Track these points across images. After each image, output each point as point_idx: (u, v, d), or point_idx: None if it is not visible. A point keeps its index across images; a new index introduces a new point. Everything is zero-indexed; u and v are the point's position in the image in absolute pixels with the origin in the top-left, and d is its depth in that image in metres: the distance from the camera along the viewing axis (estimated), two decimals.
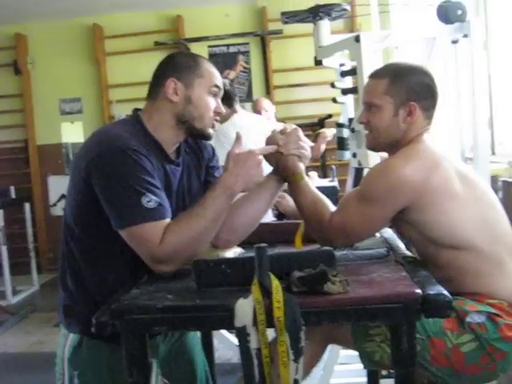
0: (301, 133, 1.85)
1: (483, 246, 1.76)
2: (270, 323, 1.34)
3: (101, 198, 1.60)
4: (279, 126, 2.12)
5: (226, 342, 3.51)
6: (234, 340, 3.42)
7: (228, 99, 3.50)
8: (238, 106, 3.56)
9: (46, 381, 3.64)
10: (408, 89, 1.85)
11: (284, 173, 1.83)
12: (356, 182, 2.87)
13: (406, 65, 1.96)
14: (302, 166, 1.84)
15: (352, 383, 3.03)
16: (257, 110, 4.63)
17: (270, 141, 1.85)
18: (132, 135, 1.65)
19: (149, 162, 1.63)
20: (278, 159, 1.82)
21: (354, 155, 2.83)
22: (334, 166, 4.57)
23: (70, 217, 1.72)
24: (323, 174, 5.73)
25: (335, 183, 4.00)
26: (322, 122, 5.89)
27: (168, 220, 1.60)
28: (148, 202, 1.56)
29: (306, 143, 1.84)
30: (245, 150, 1.74)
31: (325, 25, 3.09)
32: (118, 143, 1.61)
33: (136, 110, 1.79)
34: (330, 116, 5.88)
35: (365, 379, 2.53)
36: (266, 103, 4.79)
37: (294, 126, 1.87)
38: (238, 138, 1.77)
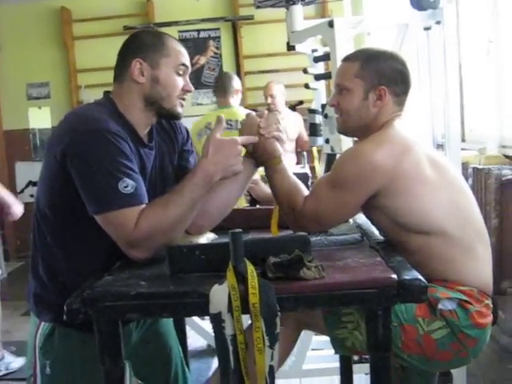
0: (279, 116, 1.83)
1: (454, 231, 1.77)
2: (246, 309, 1.33)
3: (77, 183, 1.56)
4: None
5: (197, 328, 3.49)
6: (206, 326, 3.41)
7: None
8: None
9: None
10: (379, 73, 1.85)
11: (263, 156, 1.82)
12: (328, 168, 2.86)
13: (380, 50, 1.97)
14: (280, 150, 1.82)
15: (324, 368, 3.04)
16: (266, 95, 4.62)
17: (247, 123, 1.83)
18: (108, 117, 1.62)
19: (127, 146, 1.59)
20: (257, 141, 1.80)
21: (327, 141, 2.82)
22: (305, 153, 4.57)
23: (43, 203, 1.67)
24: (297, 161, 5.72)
25: (306, 169, 4.00)
26: (293, 109, 5.87)
27: (144, 205, 1.57)
28: (125, 187, 1.53)
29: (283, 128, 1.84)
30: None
31: (297, 10, 3.06)
32: (96, 126, 1.57)
33: (106, 93, 1.75)
34: (301, 102, 5.85)
35: (337, 364, 2.54)
36: (275, 89, 4.74)
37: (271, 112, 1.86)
38: (220, 121, 1.73)
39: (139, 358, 1.86)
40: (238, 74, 6.31)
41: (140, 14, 6.44)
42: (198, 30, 6.41)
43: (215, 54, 6.46)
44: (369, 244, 1.76)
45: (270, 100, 4.59)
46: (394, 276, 1.37)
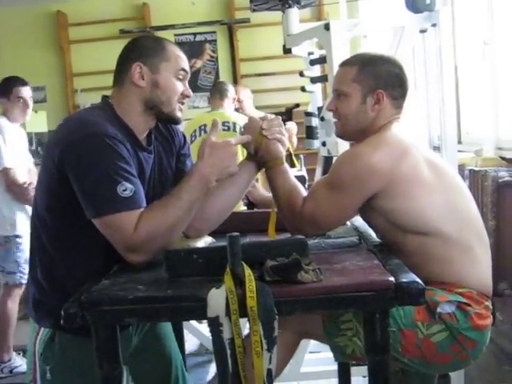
0: (281, 121, 1.85)
1: (451, 232, 1.77)
2: (243, 313, 1.33)
3: (75, 187, 1.56)
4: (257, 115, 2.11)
5: (194, 331, 3.49)
6: (203, 329, 3.41)
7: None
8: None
9: (11, 374, 3.62)
10: (376, 77, 1.86)
11: (265, 157, 1.82)
12: (325, 171, 2.87)
13: (377, 54, 1.97)
14: (282, 151, 1.83)
15: (323, 371, 3.04)
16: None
17: (249, 125, 1.84)
18: (106, 121, 1.62)
19: (125, 149, 1.60)
20: (259, 143, 1.81)
21: (324, 144, 2.83)
22: (301, 156, 4.57)
23: (41, 206, 1.68)
24: (291, 164, 5.72)
25: (303, 172, 4.00)
26: (289, 112, 5.88)
27: (142, 209, 1.57)
28: (124, 190, 1.53)
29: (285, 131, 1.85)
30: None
31: (294, 13, 3.08)
32: (94, 129, 1.57)
33: (104, 97, 1.76)
34: (297, 105, 5.88)
35: (335, 367, 2.54)
36: (242, 93, 4.75)
37: (273, 116, 1.87)
38: (215, 125, 1.74)
39: (138, 362, 1.86)
40: (235, 77, 6.32)
41: (136, 17, 6.44)
42: (195, 34, 6.41)
43: (211, 57, 6.46)
44: (366, 247, 1.76)
45: (237, 105, 4.60)
46: (392, 279, 1.37)
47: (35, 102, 6.46)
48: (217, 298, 1.34)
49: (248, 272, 1.35)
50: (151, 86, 1.70)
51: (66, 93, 6.48)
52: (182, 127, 1.92)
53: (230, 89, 4.21)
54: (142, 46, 1.73)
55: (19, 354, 3.82)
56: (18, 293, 3.75)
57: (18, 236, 3.67)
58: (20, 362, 3.74)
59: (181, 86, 1.74)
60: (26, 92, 3.71)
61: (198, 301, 1.35)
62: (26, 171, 3.74)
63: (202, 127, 3.92)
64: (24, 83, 3.77)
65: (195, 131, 3.97)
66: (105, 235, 1.57)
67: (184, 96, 1.75)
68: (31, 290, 1.73)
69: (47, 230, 1.67)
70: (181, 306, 1.38)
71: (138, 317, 1.43)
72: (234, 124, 3.86)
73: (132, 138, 1.69)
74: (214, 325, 1.34)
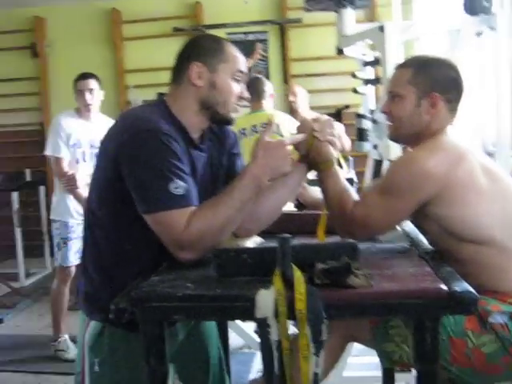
0: (334, 123, 1.83)
1: (506, 241, 1.74)
2: (291, 315, 1.32)
3: (128, 182, 1.58)
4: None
5: (237, 329, 3.49)
6: (246, 328, 3.41)
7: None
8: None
9: (57, 364, 3.69)
10: (432, 80, 1.83)
11: (317, 159, 1.80)
12: (375, 174, 2.84)
13: (433, 57, 1.95)
14: (334, 153, 1.81)
15: (366, 377, 3.00)
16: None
17: (301, 127, 1.83)
18: (161, 118, 1.63)
19: (179, 147, 1.61)
20: (311, 144, 1.80)
21: (375, 147, 2.80)
22: (350, 158, 4.54)
23: (94, 201, 1.70)
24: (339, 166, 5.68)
25: (352, 175, 3.97)
26: (339, 113, 5.84)
27: (194, 207, 1.58)
28: (176, 188, 1.54)
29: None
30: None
31: (348, 14, 3.05)
32: (149, 126, 1.59)
33: (160, 95, 1.77)
34: (347, 107, 5.84)
35: (379, 373, 2.50)
36: (298, 91, 4.73)
37: (327, 117, 1.85)
38: (269, 124, 1.74)
39: (180, 358, 1.87)
40: (285, 76, 6.31)
41: (189, 15, 6.49)
42: (246, 33, 6.42)
43: (263, 56, 6.46)
44: (417, 253, 1.73)
45: (292, 98, 4.55)
46: (445, 287, 1.34)
47: None
48: (265, 299, 1.33)
49: (298, 274, 1.34)
50: (208, 86, 1.70)
51: (117, 89, 6.57)
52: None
53: (267, 87, 4.14)
54: (200, 46, 1.73)
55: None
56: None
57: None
58: (62, 347, 3.81)
59: (237, 88, 1.74)
60: (82, 84, 3.75)
61: (246, 301, 1.34)
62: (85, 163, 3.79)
63: (242, 131, 3.91)
64: (82, 76, 3.82)
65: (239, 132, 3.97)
66: (155, 232, 1.58)
67: (240, 98, 1.75)
68: (83, 283, 1.76)
69: (100, 224, 1.69)
70: (229, 306, 1.37)
71: (186, 314, 1.43)
72: (278, 126, 3.84)
73: (185, 136, 1.70)
74: (262, 326, 1.33)
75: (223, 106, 1.72)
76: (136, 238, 1.66)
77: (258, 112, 4.04)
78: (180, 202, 1.55)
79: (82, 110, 3.75)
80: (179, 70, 1.74)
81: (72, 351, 3.70)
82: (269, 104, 4.15)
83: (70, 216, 3.77)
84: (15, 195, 5.68)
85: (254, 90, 4.11)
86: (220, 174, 1.85)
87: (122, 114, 1.75)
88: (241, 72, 1.74)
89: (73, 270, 3.80)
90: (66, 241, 3.77)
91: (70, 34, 6.59)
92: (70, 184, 3.67)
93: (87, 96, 3.70)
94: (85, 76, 3.79)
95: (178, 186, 1.55)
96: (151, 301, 1.39)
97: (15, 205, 5.67)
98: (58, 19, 6.62)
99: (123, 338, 1.66)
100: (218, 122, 1.79)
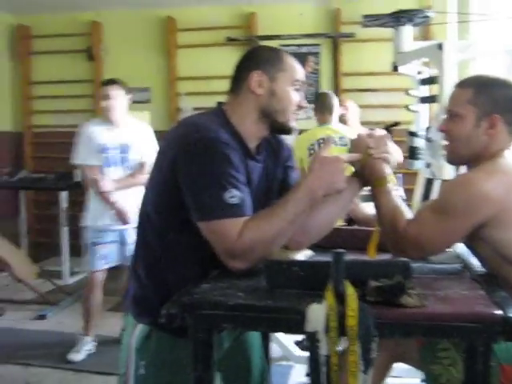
0: (389, 139, 1.82)
1: None
2: (342, 331, 1.32)
3: (184, 188, 1.60)
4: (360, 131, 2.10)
5: (277, 341, 3.48)
6: (283, 338, 3.40)
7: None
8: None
9: (98, 362, 3.74)
10: (492, 100, 1.81)
11: (371, 175, 1.80)
12: (426, 193, 2.81)
13: (494, 77, 1.92)
14: (388, 171, 1.80)
15: None
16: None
17: (356, 143, 1.83)
18: (219, 127, 1.65)
19: (236, 156, 1.62)
20: (365, 161, 1.79)
21: (428, 165, 2.77)
22: (400, 175, 4.50)
23: (149, 203, 1.73)
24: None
25: (401, 192, 3.93)
26: (388, 130, 5.80)
27: (248, 217, 1.59)
28: (231, 197, 1.56)
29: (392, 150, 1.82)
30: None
31: (407, 31, 3.03)
32: (208, 134, 1.61)
33: (219, 104, 1.79)
34: (397, 123, 5.78)
35: None
36: (349, 105, 4.78)
37: (383, 132, 1.85)
38: (327, 141, 1.75)
39: (223, 366, 1.87)
40: (336, 91, 6.29)
41: (243, 26, 6.53)
42: (299, 45, 6.43)
43: (314, 69, 6.47)
44: (470, 275, 1.70)
45: (342, 110, 4.62)
46: (500, 312, 1.32)
47: (140, 102, 6.76)
48: (317, 314, 1.33)
49: (351, 290, 1.34)
50: (268, 94, 1.72)
51: (169, 95, 6.64)
52: (289, 139, 1.94)
53: (336, 102, 4.28)
54: (260, 56, 1.76)
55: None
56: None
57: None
58: (77, 348, 3.88)
59: (296, 97, 1.75)
60: (102, 90, 3.89)
61: (297, 314, 1.35)
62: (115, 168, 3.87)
63: (320, 141, 4.01)
64: (103, 82, 3.97)
65: (313, 145, 4.04)
66: (208, 240, 1.59)
67: (299, 107, 1.76)
68: (132, 286, 1.78)
69: (153, 227, 1.72)
70: (279, 318, 1.38)
71: (236, 323, 1.44)
72: (343, 138, 3.95)
73: (243, 145, 1.71)
74: (312, 340, 1.33)
75: (282, 114, 1.74)
76: (189, 244, 1.67)
77: (331, 126, 4.19)
78: (234, 211, 1.56)
79: (104, 115, 3.86)
80: (238, 79, 1.76)
81: (81, 356, 3.83)
82: (335, 118, 4.27)
83: (102, 221, 3.86)
84: (64, 194, 5.80)
85: (324, 105, 4.21)
86: (274, 185, 1.85)
87: (181, 120, 1.78)
88: (299, 81, 1.76)
89: (101, 274, 3.89)
90: (95, 244, 3.86)
91: (125, 39, 6.70)
92: (101, 190, 3.76)
93: (105, 102, 3.81)
94: (105, 82, 3.93)
95: (234, 196, 1.56)
96: (203, 308, 1.41)
97: (64, 204, 5.78)
98: (114, 24, 6.74)
99: (170, 343, 1.68)
100: (278, 130, 1.80)
